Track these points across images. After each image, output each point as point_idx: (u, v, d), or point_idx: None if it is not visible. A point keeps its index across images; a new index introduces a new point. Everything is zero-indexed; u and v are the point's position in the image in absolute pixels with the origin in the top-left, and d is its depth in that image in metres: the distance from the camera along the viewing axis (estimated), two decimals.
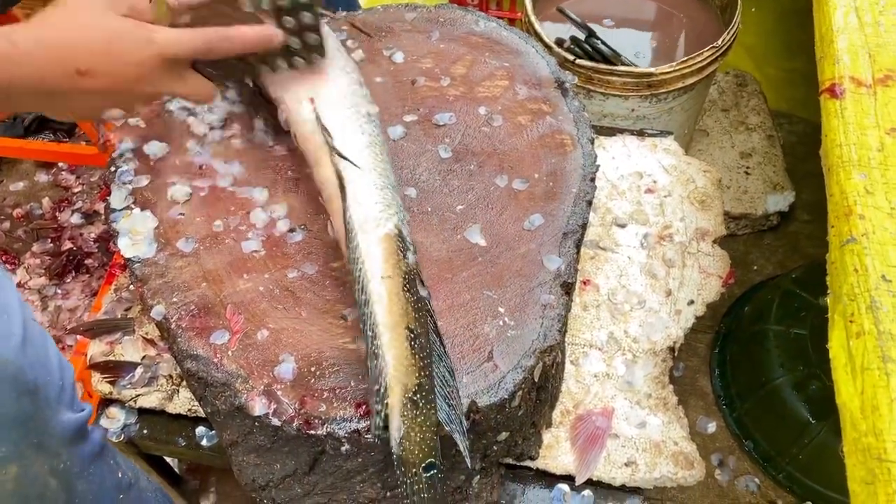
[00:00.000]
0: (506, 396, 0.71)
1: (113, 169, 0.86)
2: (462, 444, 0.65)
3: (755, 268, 1.57)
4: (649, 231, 1.04)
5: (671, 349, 0.95)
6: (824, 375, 1.22)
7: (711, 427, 0.99)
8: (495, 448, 0.78)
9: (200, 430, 0.90)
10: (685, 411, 0.91)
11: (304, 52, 0.76)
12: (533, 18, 1.29)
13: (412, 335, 0.66)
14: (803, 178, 1.65)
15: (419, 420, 0.64)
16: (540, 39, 1.27)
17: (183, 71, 0.72)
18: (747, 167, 1.64)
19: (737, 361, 1.40)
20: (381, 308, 0.67)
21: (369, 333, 0.67)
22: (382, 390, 0.65)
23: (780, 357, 1.29)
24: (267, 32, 0.73)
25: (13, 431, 0.69)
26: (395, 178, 0.79)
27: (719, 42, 1.26)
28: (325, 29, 0.79)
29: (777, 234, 1.63)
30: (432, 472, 0.64)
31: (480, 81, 0.97)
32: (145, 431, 0.93)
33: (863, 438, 0.61)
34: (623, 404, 0.90)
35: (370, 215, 0.72)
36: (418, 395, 0.65)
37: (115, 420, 0.92)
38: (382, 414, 0.65)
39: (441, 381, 0.67)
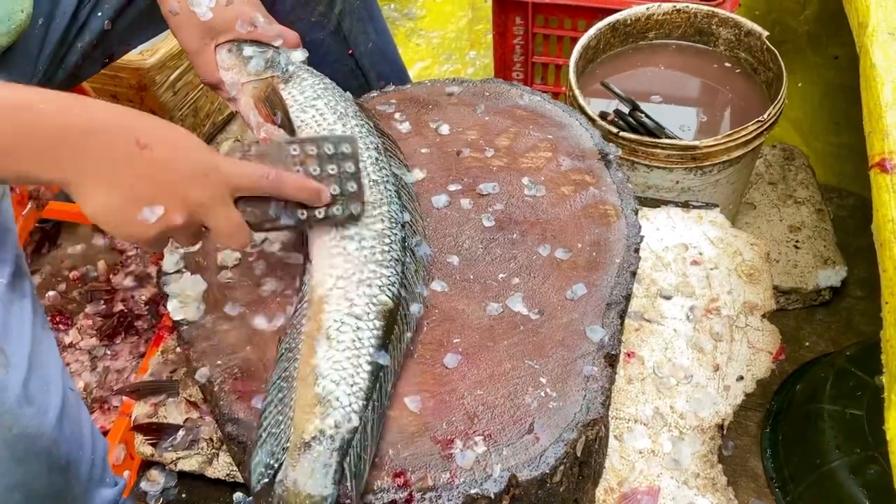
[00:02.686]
0: (547, 471, 0.69)
1: None
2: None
3: (807, 344, 1.52)
4: (695, 303, 1.02)
5: (720, 426, 0.92)
6: (882, 459, 1.16)
7: None
8: None
9: (238, 495, 0.89)
10: (736, 493, 0.88)
11: (342, 200, 0.77)
12: (577, 92, 1.32)
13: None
14: (855, 253, 1.61)
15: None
16: (584, 112, 1.28)
17: (230, 203, 0.70)
18: (797, 241, 1.61)
19: (790, 442, 1.34)
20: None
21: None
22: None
23: (836, 438, 1.23)
24: (319, 188, 0.74)
25: None
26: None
27: (765, 116, 1.26)
28: (364, 180, 0.81)
29: (829, 310, 1.58)
30: None
31: (524, 153, 0.98)
32: (184, 495, 0.93)
33: None
34: (669, 483, 0.87)
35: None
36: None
37: (155, 483, 0.92)
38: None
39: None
